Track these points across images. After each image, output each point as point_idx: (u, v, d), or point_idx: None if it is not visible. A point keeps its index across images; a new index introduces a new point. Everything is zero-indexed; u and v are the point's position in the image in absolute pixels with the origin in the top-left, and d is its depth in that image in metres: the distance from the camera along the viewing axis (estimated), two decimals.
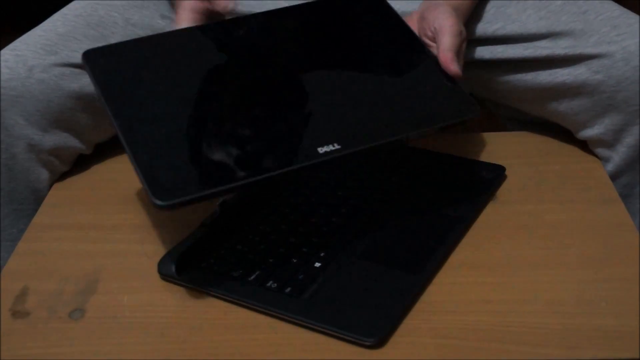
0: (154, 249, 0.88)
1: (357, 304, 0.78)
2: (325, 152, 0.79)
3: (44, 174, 1.00)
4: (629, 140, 0.97)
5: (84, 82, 0.98)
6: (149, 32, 1.03)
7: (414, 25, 0.96)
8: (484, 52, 1.02)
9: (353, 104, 0.87)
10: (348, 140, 0.81)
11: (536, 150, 1.03)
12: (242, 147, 0.80)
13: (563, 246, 0.86)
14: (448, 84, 0.90)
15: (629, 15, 0.98)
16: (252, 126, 0.83)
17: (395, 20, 0.97)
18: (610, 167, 1.00)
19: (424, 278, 0.81)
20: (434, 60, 0.91)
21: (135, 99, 0.84)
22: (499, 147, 1.04)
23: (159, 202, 0.74)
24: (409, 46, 0.95)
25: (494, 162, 0.99)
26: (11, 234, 1.02)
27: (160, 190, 0.75)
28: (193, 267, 0.83)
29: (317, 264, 0.82)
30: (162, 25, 1.05)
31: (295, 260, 0.83)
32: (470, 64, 1.03)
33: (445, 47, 0.90)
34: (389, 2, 0.99)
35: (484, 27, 1.02)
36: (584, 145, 1.03)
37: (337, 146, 0.80)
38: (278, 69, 0.91)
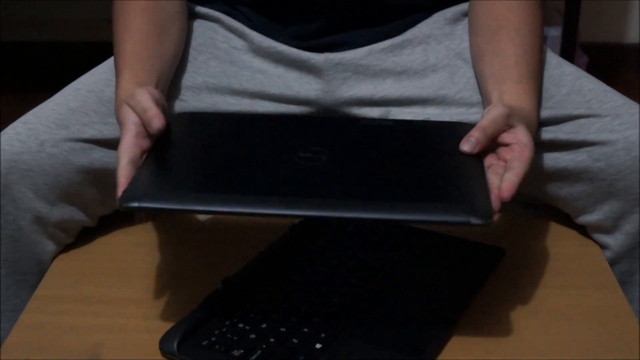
0: (156, 325, 0.88)
1: None
2: None
3: (49, 246, 1.01)
4: (627, 227, 0.99)
5: (93, 157, 0.99)
6: None
7: None
8: None
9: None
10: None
11: (536, 233, 1.05)
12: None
13: (562, 332, 0.87)
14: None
15: (632, 106, 1.00)
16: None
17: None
18: (608, 253, 1.01)
19: None
20: (477, 161, 0.85)
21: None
22: (499, 228, 1.06)
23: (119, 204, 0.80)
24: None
25: (494, 243, 1.00)
26: (14, 304, 1.02)
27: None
28: (195, 345, 0.83)
29: (318, 345, 0.83)
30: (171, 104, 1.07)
31: (296, 341, 0.83)
32: None
33: (478, 125, 0.85)
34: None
35: None
36: (583, 229, 1.04)
37: None
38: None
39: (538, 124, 0.96)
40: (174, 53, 1.04)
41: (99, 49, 1.36)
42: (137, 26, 1.01)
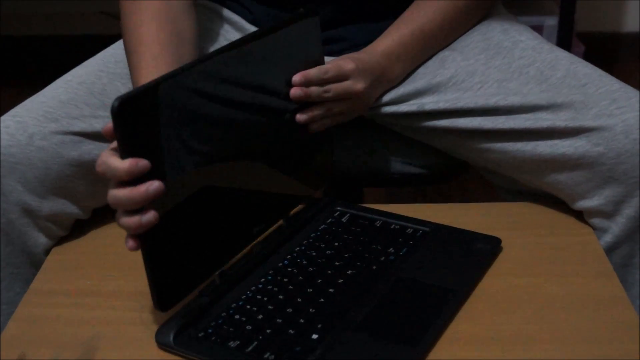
0: (151, 317, 0.88)
1: None
2: (257, 230, 0.95)
3: (41, 239, 1.01)
4: (628, 211, 0.98)
5: (83, 149, 0.99)
6: None
7: None
8: (485, 122, 1.03)
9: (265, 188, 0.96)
10: (267, 220, 0.97)
11: (532, 222, 1.04)
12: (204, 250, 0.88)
13: (559, 321, 0.86)
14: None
15: (628, 90, 1.00)
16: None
17: None
18: (609, 237, 1.00)
19: (421, 352, 0.81)
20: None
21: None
22: (496, 218, 1.05)
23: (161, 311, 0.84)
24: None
25: (490, 233, 0.99)
26: (8, 297, 1.01)
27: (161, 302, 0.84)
28: (191, 336, 0.83)
29: (315, 336, 0.82)
30: None
31: (292, 332, 0.83)
32: (471, 132, 1.05)
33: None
34: None
35: (485, 98, 1.04)
36: (579, 217, 1.04)
37: (262, 225, 0.96)
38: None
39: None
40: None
41: (96, 42, 1.36)
42: (153, 38, 0.98)
